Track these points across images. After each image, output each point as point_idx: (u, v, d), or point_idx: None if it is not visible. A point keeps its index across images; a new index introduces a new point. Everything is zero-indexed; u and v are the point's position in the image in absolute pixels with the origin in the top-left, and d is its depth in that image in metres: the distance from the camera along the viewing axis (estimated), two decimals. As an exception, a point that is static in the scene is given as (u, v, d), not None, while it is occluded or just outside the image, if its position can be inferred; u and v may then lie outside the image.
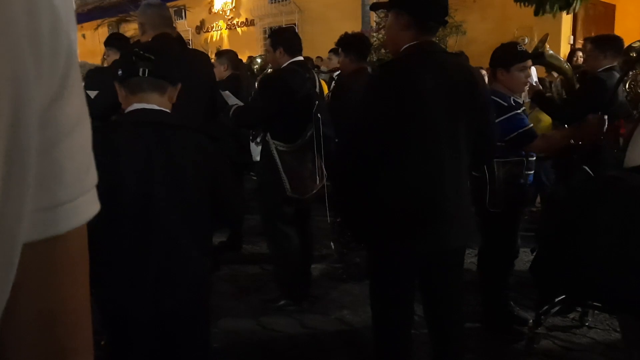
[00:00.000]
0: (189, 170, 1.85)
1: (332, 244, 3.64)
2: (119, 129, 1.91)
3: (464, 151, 2.12)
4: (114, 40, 4.07)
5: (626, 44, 4.19)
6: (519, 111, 2.94)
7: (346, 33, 4.02)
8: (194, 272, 1.87)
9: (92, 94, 3.01)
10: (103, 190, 1.76)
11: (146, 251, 1.79)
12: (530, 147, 2.96)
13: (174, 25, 3.20)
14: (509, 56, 2.96)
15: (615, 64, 3.75)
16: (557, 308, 3.17)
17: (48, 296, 0.51)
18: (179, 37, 3.17)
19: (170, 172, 1.81)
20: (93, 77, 4.02)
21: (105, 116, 2.77)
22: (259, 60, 8.22)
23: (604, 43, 3.82)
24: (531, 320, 3.09)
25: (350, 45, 3.85)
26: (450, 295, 2.25)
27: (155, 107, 1.84)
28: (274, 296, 3.60)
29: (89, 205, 0.54)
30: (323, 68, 7.88)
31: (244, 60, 8.66)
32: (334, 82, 5.20)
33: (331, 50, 6.50)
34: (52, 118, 0.48)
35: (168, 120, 1.86)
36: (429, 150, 2.07)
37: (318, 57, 9.80)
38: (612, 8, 9.95)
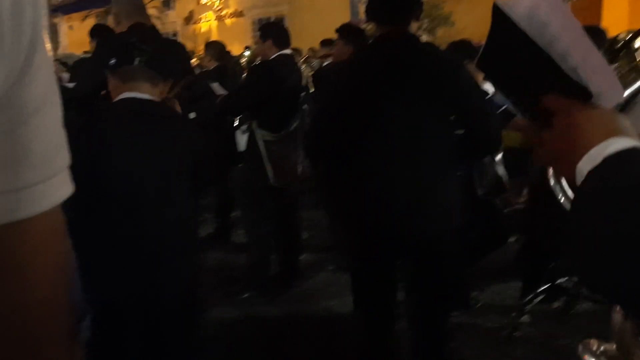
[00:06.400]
0: (178, 161, 1.85)
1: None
2: (110, 116, 1.89)
3: (431, 143, 2.06)
4: (99, 32, 4.04)
5: (613, 36, 4.21)
6: (491, 95, 3.08)
7: (349, 22, 4.07)
8: (184, 261, 1.86)
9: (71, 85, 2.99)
10: (90, 177, 1.75)
11: (136, 240, 1.78)
12: (511, 125, 3.01)
13: (147, 15, 3.19)
14: (476, 47, 3.16)
15: None
16: (541, 297, 3.20)
17: (16, 283, 0.49)
18: (153, 27, 3.16)
19: (159, 163, 1.81)
20: (79, 67, 4.01)
21: (82, 104, 2.72)
22: (247, 53, 8.21)
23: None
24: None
25: (351, 34, 3.88)
26: (426, 284, 2.21)
27: (147, 96, 1.84)
28: (238, 287, 3.62)
29: (59, 188, 0.52)
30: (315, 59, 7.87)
31: (236, 52, 8.61)
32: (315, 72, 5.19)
33: (322, 42, 6.50)
34: (16, 98, 0.46)
35: (159, 111, 1.86)
36: (378, 139, 2.06)
37: (311, 48, 9.78)
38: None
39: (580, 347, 0.88)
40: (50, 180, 0.50)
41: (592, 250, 0.55)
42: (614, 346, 0.84)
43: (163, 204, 1.82)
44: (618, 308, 0.84)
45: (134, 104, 1.83)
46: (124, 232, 1.78)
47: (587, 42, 0.66)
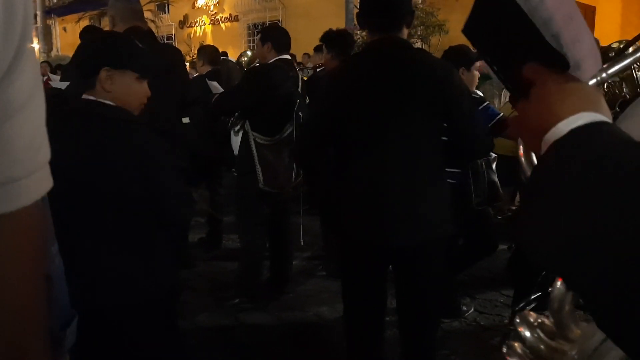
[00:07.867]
0: (114, 163, 1.73)
1: (301, 241, 3.67)
2: (53, 117, 1.84)
3: (424, 148, 2.07)
4: (89, 34, 4.02)
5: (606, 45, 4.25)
6: (487, 102, 3.09)
7: (330, 29, 4.05)
8: (120, 272, 1.77)
9: (64, 85, 2.97)
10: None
11: (68, 246, 1.72)
12: (508, 133, 3.03)
13: (145, 18, 3.15)
14: (473, 55, 3.13)
15: None
16: (533, 305, 3.20)
17: None
18: (150, 31, 3.14)
19: (93, 166, 1.71)
20: (70, 70, 3.99)
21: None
22: (249, 53, 8.25)
23: None
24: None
25: (334, 41, 3.87)
26: (418, 291, 2.20)
27: (91, 97, 1.77)
28: (229, 293, 3.61)
29: (41, 183, 0.52)
30: (308, 64, 7.90)
31: (231, 56, 8.60)
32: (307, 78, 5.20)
33: (315, 48, 6.52)
34: (3, 93, 0.47)
35: (95, 110, 1.77)
36: (371, 146, 2.05)
37: (305, 53, 9.80)
38: (592, 10, 10.07)
39: (517, 319, 0.84)
40: (33, 175, 0.51)
41: (545, 225, 0.52)
42: (551, 319, 0.82)
43: (94, 209, 1.72)
44: (560, 280, 0.81)
45: (76, 105, 1.79)
46: (72, 238, 1.72)
47: (573, 12, 0.62)
